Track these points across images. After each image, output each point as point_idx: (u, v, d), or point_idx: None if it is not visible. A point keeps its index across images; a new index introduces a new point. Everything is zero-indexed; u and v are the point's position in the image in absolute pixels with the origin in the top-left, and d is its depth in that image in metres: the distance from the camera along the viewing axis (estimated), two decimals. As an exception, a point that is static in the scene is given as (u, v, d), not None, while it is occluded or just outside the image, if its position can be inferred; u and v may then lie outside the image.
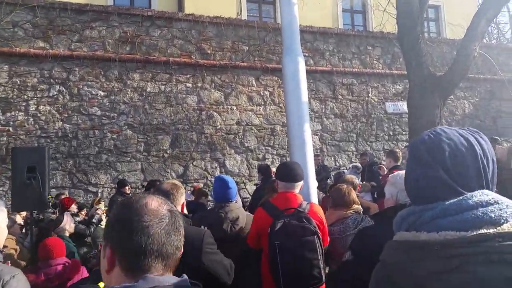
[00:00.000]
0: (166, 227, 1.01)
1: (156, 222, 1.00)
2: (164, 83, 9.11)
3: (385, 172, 5.68)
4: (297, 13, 5.58)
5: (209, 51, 9.58)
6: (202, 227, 2.84)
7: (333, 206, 3.19)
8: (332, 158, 10.31)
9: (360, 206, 3.26)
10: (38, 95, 8.25)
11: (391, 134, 10.93)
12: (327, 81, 10.57)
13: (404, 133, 11.13)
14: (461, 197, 0.91)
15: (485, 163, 0.96)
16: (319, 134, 10.28)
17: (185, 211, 2.74)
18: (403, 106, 11.18)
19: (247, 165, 9.43)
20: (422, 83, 6.74)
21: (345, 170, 7.05)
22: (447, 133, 1.00)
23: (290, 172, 2.64)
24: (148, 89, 8.97)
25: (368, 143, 10.72)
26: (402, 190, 1.82)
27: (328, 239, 2.70)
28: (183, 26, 9.41)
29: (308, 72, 10.54)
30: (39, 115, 8.20)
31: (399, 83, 11.23)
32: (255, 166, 9.42)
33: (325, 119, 10.39)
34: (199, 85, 9.37)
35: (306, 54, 10.48)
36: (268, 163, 9.56)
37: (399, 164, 5.32)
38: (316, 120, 10.29)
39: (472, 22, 6.63)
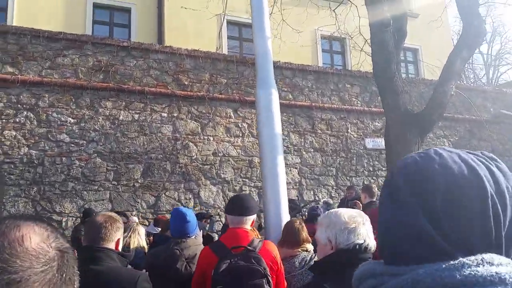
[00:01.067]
0: (53, 278, 0.59)
1: (39, 271, 0.58)
2: (138, 112, 8.87)
3: (361, 208, 5.45)
4: (270, 46, 5.52)
5: (186, 83, 9.45)
6: (144, 271, 2.52)
7: (280, 243, 2.89)
8: (312, 192, 10.06)
9: (310, 245, 2.94)
10: (4, 120, 7.90)
11: (371, 169, 10.79)
12: (306, 116, 10.49)
13: (383, 169, 11.00)
14: (447, 264, 0.58)
15: (499, 209, 0.62)
16: (298, 167, 10.07)
17: (146, 245, 2.42)
18: (382, 143, 11.11)
19: (223, 197, 9.10)
20: (399, 120, 6.67)
21: (318, 205, 6.79)
22: (444, 157, 0.66)
23: (239, 205, 2.36)
24: (121, 117, 8.70)
25: (348, 178, 10.54)
26: (341, 230, 1.53)
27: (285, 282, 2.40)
28: (160, 58, 9.30)
29: (288, 106, 10.51)
30: (3, 140, 7.81)
31: (378, 120, 11.22)
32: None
33: (304, 152, 10.22)
34: (175, 115, 9.16)
35: (285, 89, 10.46)
36: (244, 197, 9.26)
37: (374, 199, 5.11)
38: (295, 154, 10.11)
39: (447, 61, 6.68)
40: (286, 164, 10.04)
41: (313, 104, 10.55)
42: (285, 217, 5.21)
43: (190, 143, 9.13)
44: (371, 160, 10.87)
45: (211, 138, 9.34)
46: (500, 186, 0.63)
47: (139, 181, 8.50)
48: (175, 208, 3.23)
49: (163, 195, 8.60)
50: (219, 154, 9.31)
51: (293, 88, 10.52)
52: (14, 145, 7.86)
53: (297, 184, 9.90)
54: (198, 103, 9.39)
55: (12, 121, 7.95)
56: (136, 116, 8.84)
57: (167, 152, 8.87)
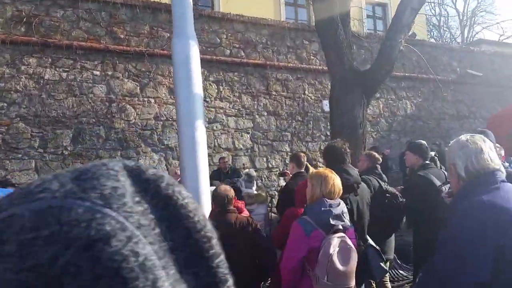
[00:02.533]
0: None
1: None
2: (67, 69, 7.91)
3: (289, 179, 4.88)
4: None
5: (122, 36, 8.45)
6: None
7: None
8: (265, 159, 9.46)
9: None
10: None
11: (328, 134, 10.20)
12: (260, 76, 9.70)
13: (342, 133, 10.45)
14: None
15: None
16: (250, 132, 9.40)
17: None
18: (341, 105, 10.52)
19: (166, 166, 8.42)
20: (344, 78, 6.02)
21: (238, 179, 6.19)
22: None
23: None
24: (47, 76, 7.74)
25: (304, 143, 9.96)
26: None
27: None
28: (92, 7, 8.22)
29: (239, 65, 9.68)
30: None
31: (338, 80, 10.53)
32: (177, 165, 8.43)
33: (257, 116, 9.52)
34: (110, 73, 8.24)
35: (237, 46, 9.58)
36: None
37: (303, 170, 4.51)
38: (247, 117, 9.41)
39: (396, 12, 5.96)
40: (237, 128, 9.38)
41: (268, 62, 9.74)
42: (206, 190, 4.66)
43: (128, 106, 8.29)
44: (328, 124, 10.25)
45: (152, 100, 8.51)
46: None
47: (69, 149, 7.69)
48: None
49: (97, 162, 7.84)
50: (162, 118, 8.53)
51: (245, 44, 9.64)
52: None
53: (249, 151, 9.27)
54: (136, 60, 8.46)
55: None
56: (64, 74, 7.89)
57: (100, 116, 8.03)
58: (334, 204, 2.37)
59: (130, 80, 8.38)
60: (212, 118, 8.99)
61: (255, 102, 9.56)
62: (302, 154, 4.82)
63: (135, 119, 8.29)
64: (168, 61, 8.72)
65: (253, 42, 9.73)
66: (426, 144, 3.86)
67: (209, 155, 8.97)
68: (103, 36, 8.31)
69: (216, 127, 9.01)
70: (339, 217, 2.34)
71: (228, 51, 9.42)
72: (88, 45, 8.05)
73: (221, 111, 9.09)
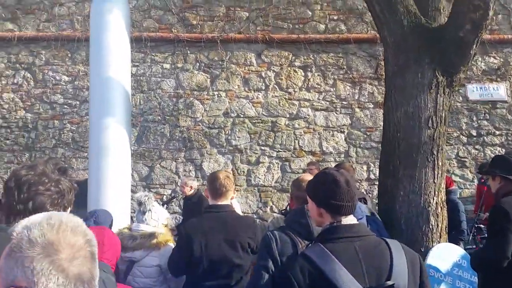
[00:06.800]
0: None
1: None
2: (137, 64, 7.43)
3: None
4: None
5: (195, 22, 7.46)
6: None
7: None
8: (365, 167, 7.09)
9: None
10: (3, 82, 7.57)
11: (474, 134, 6.96)
12: (367, 55, 7.27)
13: (498, 133, 7.03)
14: None
15: None
16: (346, 131, 7.17)
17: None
18: (500, 91, 7.10)
19: (233, 170, 7.13)
20: (400, 42, 3.50)
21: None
22: None
23: None
24: (116, 73, 7.43)
25: (432, 146, 7.05)
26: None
27: None
28: (161, -8, 7.51)
29: (337, 42, 7.47)
30: (2, 103, 7.52)
31: (496, 53, 7.07)
32: (244, 171, 7.10)
33: (357, 109, 7.20)
34: (180, 65, 7.39)
35: (335, 17, 7.39)
36: (264, 169, 7.10)
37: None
38: (343, 111, 7.20)
39: None
40: (327, 126, 7.27)
41: (378, 35, 7.20)
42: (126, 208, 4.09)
43: (196, 101, 7.30)
44: (475, 119, 7.00)
45: (223, 94, 7.29)
46: None
47: (132, 148, 7.21)
48: None
49: (158, 165, 7.16)
50: (232, 115, 7.23)
51: (347, 14, 7.35)
52: (12, 108, 7.50)
53: (342, 155, 7.07)
54: (208, 48, 7.37)
55: (11, 82, 7.56)
56: (134, 69, 7.42)
57: (167, 113, 7.29)
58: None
59: (200, 72, 7.36)
60: (294, 113, 7.18)
61: (356, 91, 7.22)
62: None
63: (202, 116, 7.25)
64: (245, 46, 7.36)
65: (358, 10, 7.34)
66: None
67: (286, 160, 7.23)
68: (174, 24, 7.51)
69: (299, 124, 7.16)
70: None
71: (323, 25, 7.34)
72: (159, 36, 7.38)
73: (307, 104, 7.17)
